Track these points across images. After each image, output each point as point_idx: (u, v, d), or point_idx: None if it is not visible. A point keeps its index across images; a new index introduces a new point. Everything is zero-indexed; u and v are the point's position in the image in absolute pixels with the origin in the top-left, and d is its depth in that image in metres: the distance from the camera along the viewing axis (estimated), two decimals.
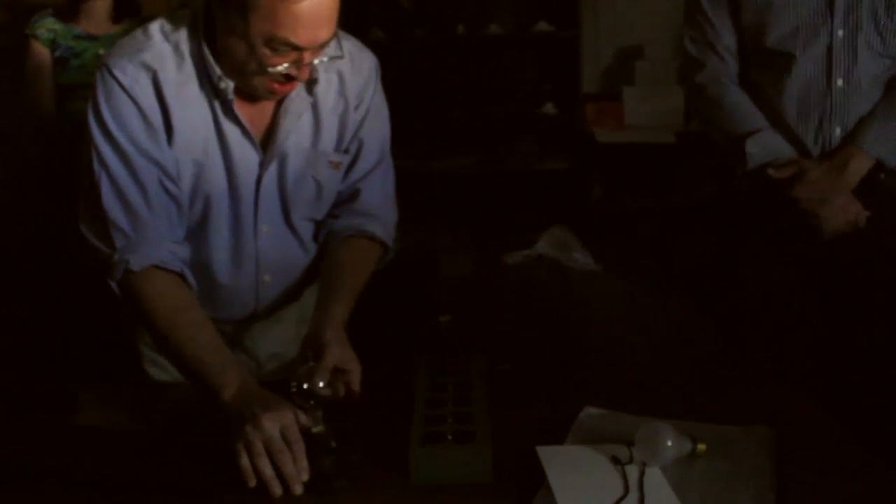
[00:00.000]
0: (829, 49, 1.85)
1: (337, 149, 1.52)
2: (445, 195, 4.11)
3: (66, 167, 2.57)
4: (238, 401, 1.25)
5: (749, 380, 1.49)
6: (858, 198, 1.85)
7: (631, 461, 1.20)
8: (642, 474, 1.18)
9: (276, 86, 1.37)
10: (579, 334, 1.80)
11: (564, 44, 4.15)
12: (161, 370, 1.61)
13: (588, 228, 2.53)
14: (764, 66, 1.92)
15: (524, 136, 4.25)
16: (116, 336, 1.68)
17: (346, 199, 1.57)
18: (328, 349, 1.32)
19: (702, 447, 1.21)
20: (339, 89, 1.49)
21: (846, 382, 1.85)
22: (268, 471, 1.18)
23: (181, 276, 1.41)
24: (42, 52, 2.83)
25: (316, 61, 1.36)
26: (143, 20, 2.83)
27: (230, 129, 1.43)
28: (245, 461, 1.18)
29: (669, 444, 1.19)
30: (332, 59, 1.40)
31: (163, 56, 1.39)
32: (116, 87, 1.37)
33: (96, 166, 1.38)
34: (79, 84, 2.77)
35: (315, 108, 1.48)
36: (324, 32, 1.32)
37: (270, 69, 1.33)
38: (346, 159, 1.54)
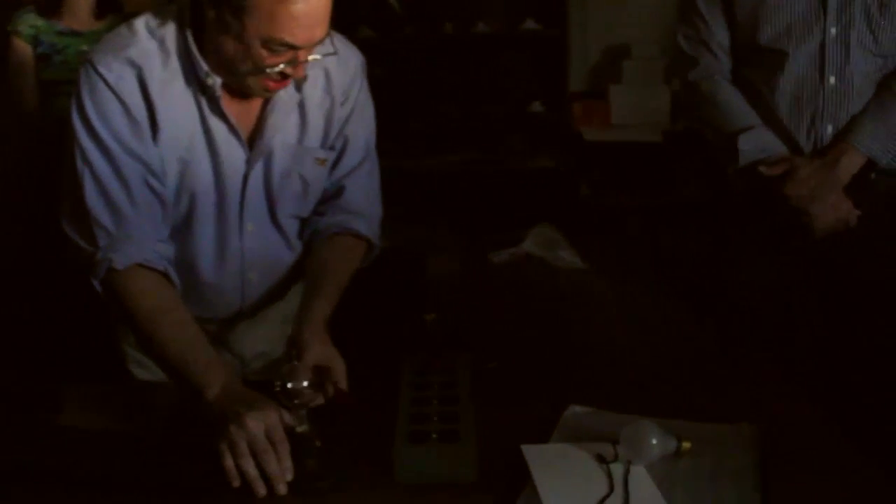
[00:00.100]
0: (822, 47, 1.85)
1: (322, 145, 1.52)
2: (432, 193, 4.10)
3: (49, 165, 2.55)
4: (222, 400, 1.25)
5: (734, 377, 1.49)
6: (849, 197, 1.86)
7: (616, 459, 1.20)
8: (627, 472, 1.18)
9: (272, 84, 1.36)
10: (565, 333, 1.81)
11: (552, 42, 4.15)
12: (145, 370, 1.60)
13: (575, 227, 2.53)
14: (757, 64, 1.92)
15: (512, 135, 4.25)
16: (100, 336, 1.67)
17: (331, 195, 1.56)
18: (308, 348, 1.32)
19: (686, 445, 1.21)
20: (325, 86, 1.49)
21: (839, 382, 1.85)
22: (252, 471, 1.17)
23: (165, 275, 1.40)
24: (24, 48, 2.81)
25: (309, 58, 1.36)
26: (126, 16, 2.82)
27: (217, 127, 1.43)
28: (229, 461, 1.18)
29: (654, 442, 1.19)
30: (325, 56, 1.39)
31: (148, 53, 1.38)
32: (101, 84, 1.36)
33: (79, 164, 1.37)
34: (62, 80, 2.75)
35: (301, 105, 1.48)
36: (319, 31, 1.32)
37: (267, 69, 1.32)
38: (332, 156, 1.53)
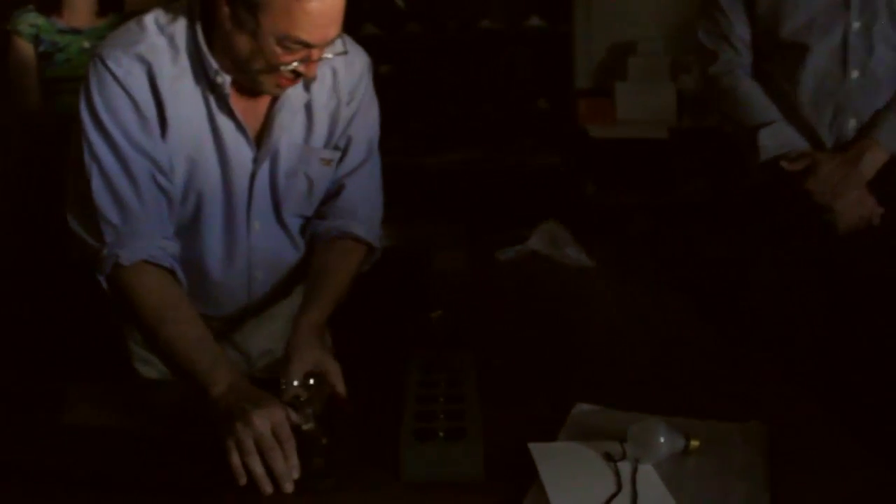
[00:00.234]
0: (845, 40, 1.83)
1: (327, 145, 1.51)
2: (437, 191, 4.10)
3: (51, 164, 2.55)
4: (228, 398, 1.24)
5: (742, 376, 1.49)
6: (872, 194, 1.83)
7: (623, 458, 1.19)
8: (635, 471, 1.17)
9: (284, 81, 1.36)
10: (572, 330, 1.80)
11: (557, 39, 4.13)
12: (151, 368, 1.60)
13: (581, 224, 2.52)
14: (778, 58, 1.91)
15: (517, 132, 4.24)
16: (106, 334, 1.67)
17: (331, 194, 1.56)
18: (299, 355, 1.31)
19: (695, 443, 1.21)
20: (331, 86, 1.49)
21: (842, 381, 1.84)
22: (258, 469, 1.17)
23: (171, 272, 1.40)
24: (25, 47, 2.81)
25: (328, 55, 1.36)
26: (126, 14, 2.82)
27: (224, 125, 1.42)
28: (235, 459, 1.17)
29: (662, 440, 1.19)
30: (335, 55, 1.39)
31: (158, 49, 1.37)
32: (110, 79, 1.36)
33: (87, 159, 1.37)
34: (64, 78, 2.75)
35: (309, 105, 1.48)
36: (333, 30, 1.33)
37: (281, 67, 1.32)
38: (337, 156, 1.53)
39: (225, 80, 1.38)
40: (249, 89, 1.42)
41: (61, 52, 2.80)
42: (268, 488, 1.17)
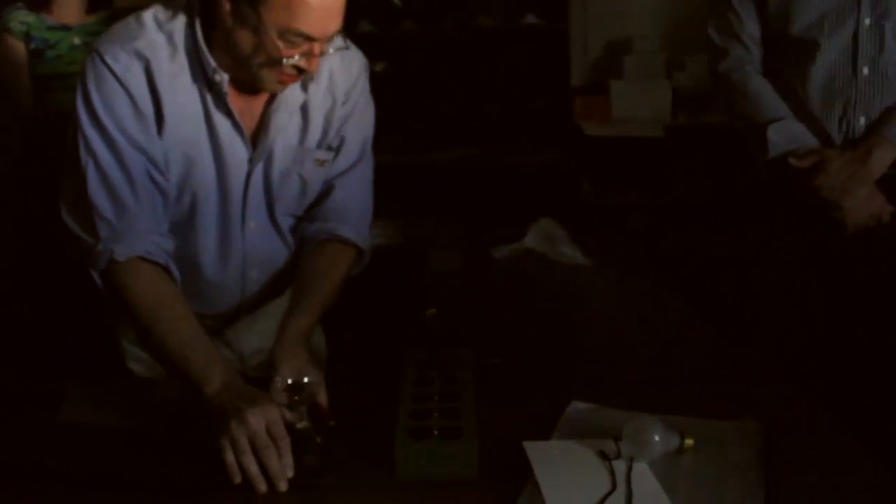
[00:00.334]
0: (856, 37, 1.83)
1: (320, 146, 1.51)
2: (432, 189, 4.09)
3: (47, 162, 2.54)
4: (222, 396, 1.24)
5: (739, 375, 1.49)
6: (882, 192, 1.83)
7: (618, 456, 1.19)
8: (630, 469, 1.17)
9: (286, 77, 1.36)
10: (567, 328, 1.80)
11: (552, 37, 4.13)
12: (144, 367, 1.59)
13: (577, 222, 2.52)
14: (788, 55, 1.90)
15: (512, 130, 4.24)
16: (99, 333, 1.66)
17: (321, 196, 1.55)
18: (280, 365, 1.29)
19: (689, 442, 1.21)
20: (327, 87, 1.49)
21: (840, 380, 1.84)
22: (253, 468, 1.17)
23: (166, 268, 1.40)
24: (16, 46, 2.79)
25: (331, 50, 1.35)
26: (115, 11, 2.81)
27: (221, 124, 1.42)
28: (230, 457, 1.17)
29: (657, 438, 1.19)
30: (337, 49, 1.38)
31: (156, 45, 1.37)
32: (107, 74, 1.35)
33: (83, 154, 1.37)
34: (56, 75, 2.75)
35: (305, 106, 1.48)
36: (334, 24, 1.33)
37: (284, 61, 1.31)
38: (331, 156, 1.52)
39: (223, 78, 1.38)
40: (247, 88, 1.42)
41: (52, 48, 2.79)
42: (262, 487, 1.16)
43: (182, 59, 1.38)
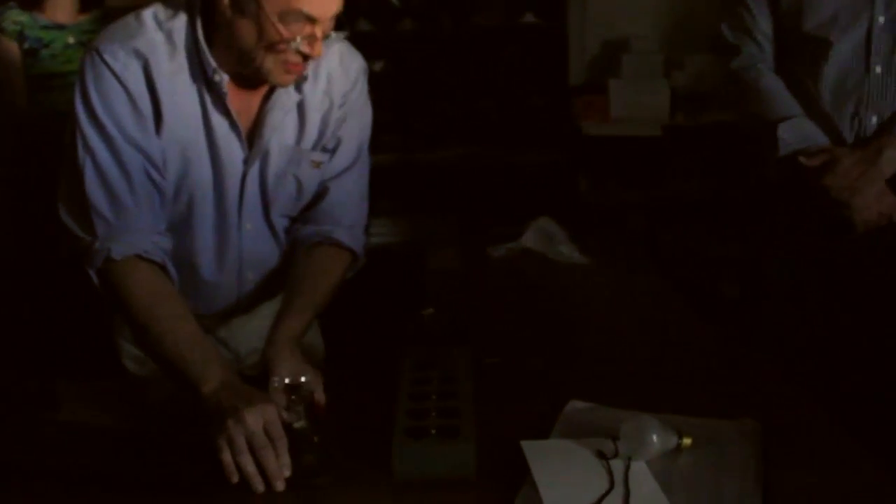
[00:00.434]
0: (869, 36, 1.82)
1: (316, 147, 1.51)
2: (430, 187, 4.09)
3: (42, 161, 2.54)
4: (219, 395, 1.24)
5: (738, 374, 1.49)
6: (893, 191, 1.81)
7: (616, 455, 1.19)
8: (627, 469, 1.17)
9: (291, 66, 1.35)
10: (565, 327, 1.80)
11: (551, 36, 4.14)
12: (140, 365, 1.59)
13: (575, 221, 2.52)
14: (800, 53, 1.90)
15: (511, 129, 4.24)
16: (95, 331, 1.66)
17: (315, 198, 1.55)
18: (275, 368, 1.29)
19: (687, 441, 1.21)
20: (325, 89, 1.48)
21: (839, 380, 1.84)
22: (250, 467, 1.16)
23: (163, 267, 1.40)
24: (10, 46, 2.79)
25: (333, 34, 1.34)
26: (107, 11, 2.81)
27: (219, 125, 1.42)
28: (227, 457, 1.17)
29: (655, 438, 1.18)
30: (338, 33, 1.38)
31: (155, 44, 1.37)
32: (106, 72, 1.35)
33: (81, 151, 1.36)
34: (51, 74, 2.74)
35: (301, 106, 1.47)
36: (335, 4, 1.33)
37: (285, 44, 1.31)
38: (327, 158, 1.52)
39: (223, 78, 1.38)
40: (246, 86, 1.42)
41: (46, 48, 2.78)
42: (259, 487, 1.16)
43: (181, 59, 1.38)
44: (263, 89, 1.45)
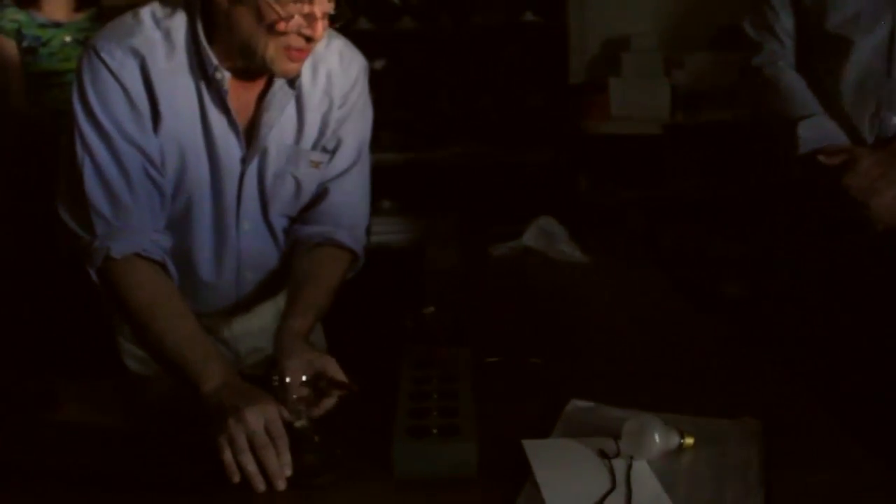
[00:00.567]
0: (891, 36, 1.80)
1: (315, 147, 1.50)
2: (430, 186, 4.09)
3: (41, 160, 2.53)
4: (220, 394, 1.23)
5: (737, 372, 1.48)
6: None
7: (618, 455, 1.19)
8: (629, 468, 1.17)
9: (294, 52, 1.34)
10: (566, 326, 1.79)
11: (551, 35, 4.13)
12: (141, 364, 1.59)
13: (575, 220, 2.52)
14: (822, 51, 1.89)
15: (510, 127, 4.24)
16: (95, 329, 1.65)
17: (315, 199, 1.54)
18: (290, 364, 1.28)
19: (689, 440, 1.21)
20: (325, 88, 1.48)
21: (849, 381, 1.83)
22: (251, 467, 1.16)
23: (162, 265, 1.39)
24: (8, 44, 2.78)
25: (332, 10, 1.34)
26: (102, 9, 2.80)
27: (217, 123, 1.41)
28: (228, 456, 1.16)
29: (657, 437, 1.18)
30: (337, 10, 1.36)
31: (152, 43, 1.36)
32: (104, 70, 1.35)
33: (79, 150, 1.36)
34: (51, 71, 2.74)
35: (300, 106, 1.47)
36: None
37: (285, 23, 1.29)
38: (326, 158, 1.52)
39: (224, 75, 1.37)
40: (244, 88, 1.41)
41: (45, 46, 2.77)
42: (260, 486, 1.16)
43: (180, 57, 1.37)
44: (260, 87, 1.44)
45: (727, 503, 1.10)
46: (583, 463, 1.18)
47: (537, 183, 3.96)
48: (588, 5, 4.20)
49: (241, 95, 1.43)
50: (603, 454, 1.19)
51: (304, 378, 1.25)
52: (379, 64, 3.99)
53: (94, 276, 1.37)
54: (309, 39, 1.33)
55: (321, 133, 1.50)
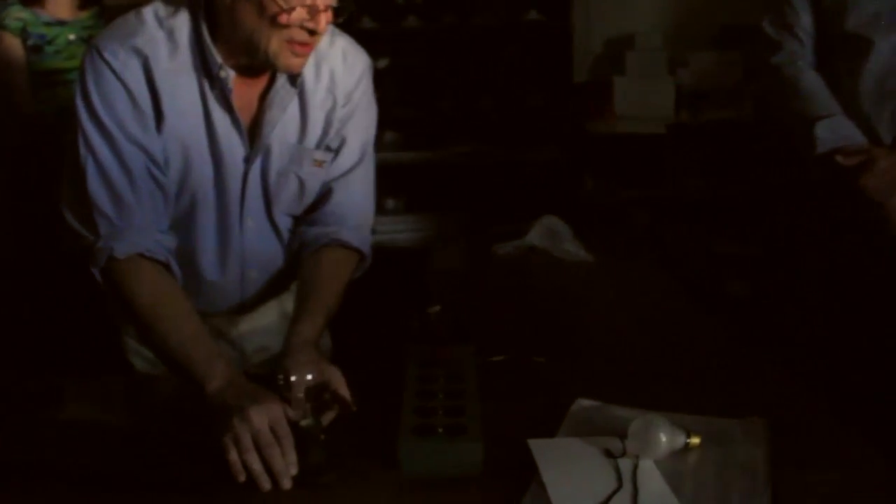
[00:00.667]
0: None
1: (319, 146, 1.50)
2: (434, 186, 4.09)
3: (44, 159, 2.54)
4: (225, 393, 1.23)
5: (743, 372, 1.48)
6: None
7: (624, 454, 1.19)
8: (636, 467, 1.16)
9: (298, 46, 1.33)
10: (571, 325, 1.79)
11: (555, 34, 4.13)
12: (146, 362, 1.59)
13: (580, 219, 2.52)
14: (841, 51, 1.88)
15: (514, 126, 4.24)
16: (99, 327, 1.65)
17: (320, 199, 1.54)
18: (296, 372, 1.26)
19: (695, 440, 1.20)
20: (329, 87, 1.47)
21: (853, 380, 1.83)
22: (256, 466, 1.16)
23: (166, 265, 1.39)
24: (14, 43, 2.79)
25: (335, 1, 1.33)
26: (105, 8, 2.81)
27: (221, 122, 1.41)
28: (234, 456, 1.16)
29: (663, 436, 1.18)
30: (341, 3, 1.35)
31: (155, 42, 1.36)
32: (107, 71, 1.34)
33: (83, 150, 1.36)
34: (56, 69, 2.75)
35: (303, 105, 1.46)
36: None
37: (287, 15, 1.29)
38: (330, 157, 1.51)
39: (228, 74, 1.37)
40: (247, 87, 1.41)
41: (50, 44, 2.78)
42: (266, 485, 1.16)
43: (184, 56, 1.37)
44: (262, 85, 1.44)
45: (733, 503, 1.10)
46: (589, 462, 1.18)
47: (541, 182, 3.96)
48: (592, 4, 4.20)
49: (244, 94, 1.43)
50: (609, 454, 1.19)
51: (308, 377, 1.25)
52: (382, 63, 3.99)
53: (97, 277, 1.37)
54: (312, 33, 1.33)
55: (325, 132, 1.50)
